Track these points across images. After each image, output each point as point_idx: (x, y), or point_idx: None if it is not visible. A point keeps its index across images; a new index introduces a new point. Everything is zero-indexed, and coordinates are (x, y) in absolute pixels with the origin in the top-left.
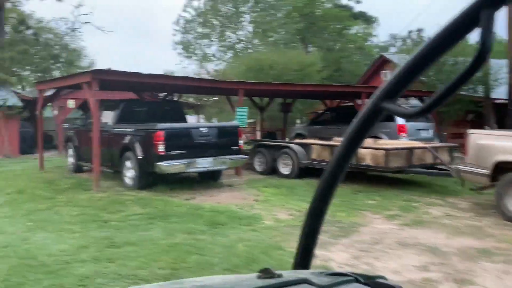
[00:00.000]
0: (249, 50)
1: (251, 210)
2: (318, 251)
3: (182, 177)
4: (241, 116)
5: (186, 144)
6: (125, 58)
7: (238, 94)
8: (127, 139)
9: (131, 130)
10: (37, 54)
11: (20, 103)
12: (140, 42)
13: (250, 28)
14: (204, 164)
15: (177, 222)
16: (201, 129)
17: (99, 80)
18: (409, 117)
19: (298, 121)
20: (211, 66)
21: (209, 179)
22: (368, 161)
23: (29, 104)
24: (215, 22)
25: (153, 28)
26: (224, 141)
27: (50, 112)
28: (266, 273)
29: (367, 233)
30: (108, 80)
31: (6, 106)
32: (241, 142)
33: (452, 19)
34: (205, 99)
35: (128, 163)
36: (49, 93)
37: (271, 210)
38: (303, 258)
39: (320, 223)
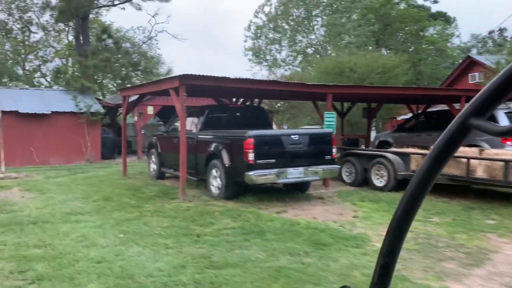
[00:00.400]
0: (319, 55)
1: (354, 229)
2: (451, 283)
3: (267, 187)
4: (329, 122)
5: (277, 152)
6: (197, 66)
7: (326, 98)
8: (213, 147)
9: (218, 137)
10: (118, 62)
11: (102, 110)
12: (211, 49)
13: (322, 31)
14: (295, 174)
15: (275, 239)
16: (292, 136)
17: (187, 86)
18: (501, 135)
19: (373, 127)
20: (280, 72)
21: (296, 190)
22: (481, 174)
23: (109, 110)
24: (286, 26)
25: (224, 34)
26: (317, 149)
27: (129, 118)
28: None
29: (503, 262)
30: (196, 85)
31: (90, 112)
32: (334, 150)
33: None
34: (279, 105)
35: (214, 172)
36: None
37: (377, 229)
38: (382, 277)
39: (401, 241)
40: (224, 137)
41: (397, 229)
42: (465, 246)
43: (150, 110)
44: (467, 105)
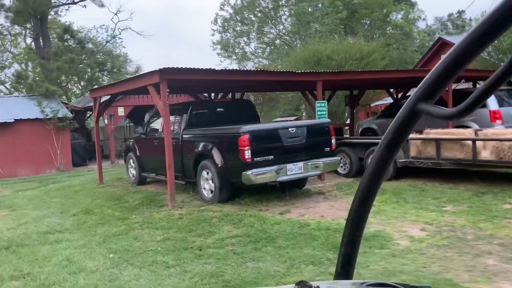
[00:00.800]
0: (289, 46)
1: (369, 226)
2: (505, 285)
3: (262, 185)
4: (321, 112)
5: (274, 148)
6: (164, 62)
7: (316, 86)
8: (202, 146)
9: (208, 135)
10: (83, 63)
11: (70, 114)
12: (177, 45)
13: (290, 21)
14: (295, 170)
15: (289, 246)
16: (289, 129)
17: (168, 81)
18: (449, 118)
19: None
20: (250, 65)
21: (293, 187)
22: (488, 155)
23: (77, 114)
24: (253, 18)
25: (189, 30)
26: (316, 141)
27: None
28: (302, 285)
29: None
30: (178, 80)
31: (57, 117)
32: (333, 142)
33: (497, 7)
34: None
35: (205, 173)
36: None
37: (395, 224)
38: (344, 268)
39: (361, 230)
40: (215, 135)
41: (356, 219)
42: (495, 237)
43: (120, 111)
44: (414, 91)
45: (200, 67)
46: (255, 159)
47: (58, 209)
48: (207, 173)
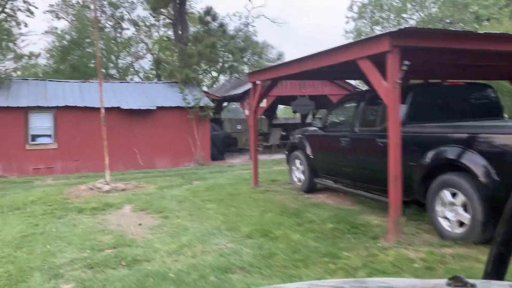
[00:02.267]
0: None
1: None
2: None
3: None
4: None
5: None
6: (301, 49)
7: None
8: (446, 151)
9: (458, 133)
10: (223, 48)
11: (211, 103)
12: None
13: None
14: None
15: None
16: None
17: (403, 50)
18: None
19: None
20: None
21: None
22: None
23: (216, 104)
24: (394, 3)
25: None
26: None
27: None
28: (457, 281)
29: None
30: (419, 48)
31: (199, 107)
32: None
33: None
34: None
35: (447, 195)
36: (237, 91)
37: None
38: (497, 267)
39: None
40: (477, 135)
41: None
42: None
43: (263, 102)
44: None
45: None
46: None
47: (222, 222)
48: (453, 195)
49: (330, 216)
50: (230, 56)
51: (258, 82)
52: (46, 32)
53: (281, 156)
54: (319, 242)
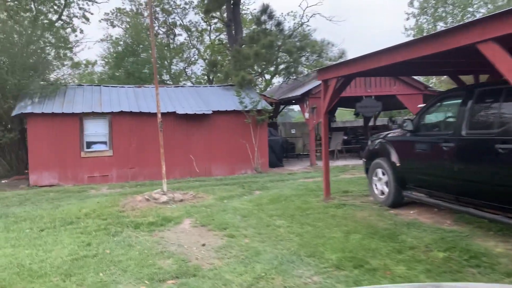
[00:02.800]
0: None
1: None
2: None
3: None
4: None
5: None
6: (360, 48)
7: None
8: None
9: None
10: (281, 48)
11: (269, 106)
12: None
13: None
14: None
15: None
16: None
17: None
18: None
19: None
20: None
21: None
22: None
23: (274, 107)
24: None
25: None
26: None
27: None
28: None
29: None
30: None
31: (256, 110)
32: None
33: None
34: None
35: None
36: (296, 92)
37: None
38: None
39: None
40: None
41: None
42: None
43: None
44: None
45: None
46: None
47: (299, 245)
48: None
49: (435, 240)
50: (286, 56)
51: (329, 80)
52: (102, 40)
53: (345, 163)
54: (433, 278)
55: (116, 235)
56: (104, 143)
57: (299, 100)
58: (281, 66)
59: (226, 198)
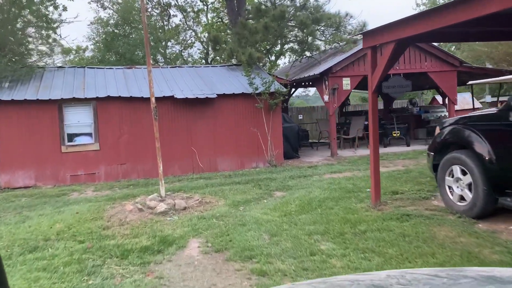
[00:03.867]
0: None
1: None
2: None
3: None
4: None
5: None
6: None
7: None
8: None
9: None
10: (295, 20)
11: (283, 88)
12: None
13: None
14: None
15: None
16: None
17: None
18: None
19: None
20: None
21: None
22: None
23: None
24: None
25: None
26: None
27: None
28: None
29: None
30: None
31: (268, 93)
32: None
33: None
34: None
35: None
36: (313, 71)
37: None
38: None
39: None
40: None
41: None
42: None
43: (346, 83)
44: None
45: None
46: None
47: None
48: None
49: None
50: (298, 32)
51: (384, 45)
52: (91, 23)
53: (368, 153)
54: None
55: (93, 273)
56: (89, 135)
57: (316, 80)
58: (293, 43)
59: (242, 203)
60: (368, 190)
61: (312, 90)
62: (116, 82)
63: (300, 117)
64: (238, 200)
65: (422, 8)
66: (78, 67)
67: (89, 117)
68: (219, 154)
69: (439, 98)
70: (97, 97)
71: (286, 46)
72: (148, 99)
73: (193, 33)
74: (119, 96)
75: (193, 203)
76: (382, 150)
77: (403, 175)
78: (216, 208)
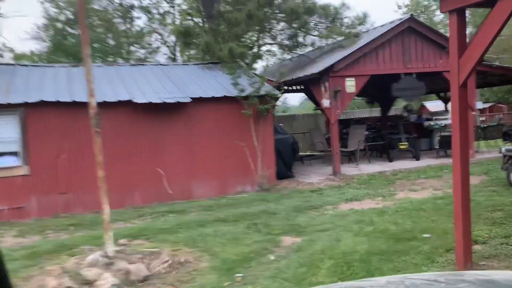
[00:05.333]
0: None
1: None
2: None
3: None
4: None
5: None
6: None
7: None
8: None
9: None
10: (282, 8)
11: (276, 92)
12: None
13: None
14: None
15: None
16: None
17: None
18: None
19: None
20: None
21: None
22: None
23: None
24: None
25: None
26: None
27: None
28: None
29: None
30: None
31: (257, 97)
32: None
33: None
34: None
35: None
36: (311, 70)
37: None
38: None
39: None
40: None
41: None
42: None
43: (350, 85)
44: None
45: None
46: None
47: None
48: None
49: None
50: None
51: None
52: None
53: (374, 169)
54: None
55: None
56: (14, 154)
57: (312, 82)
58: (282, 37)
59: (237, 265)
60: (426, 236)
61: (294, 97)
62: (55, 84)
63: (280, 125)
64: (231, 259)
65: (405, 10)
66: (5, 64)
67: (14, 130)
68: (194, 176)
69: (428, 105)
70: (25, 103)
71: (271, 42)
72: (100, 105)
73: (159, 36)
74: (58, 101)
75: (160, 268)
76: (388, 166)
77: (451, 205)
78: (198, 278)
